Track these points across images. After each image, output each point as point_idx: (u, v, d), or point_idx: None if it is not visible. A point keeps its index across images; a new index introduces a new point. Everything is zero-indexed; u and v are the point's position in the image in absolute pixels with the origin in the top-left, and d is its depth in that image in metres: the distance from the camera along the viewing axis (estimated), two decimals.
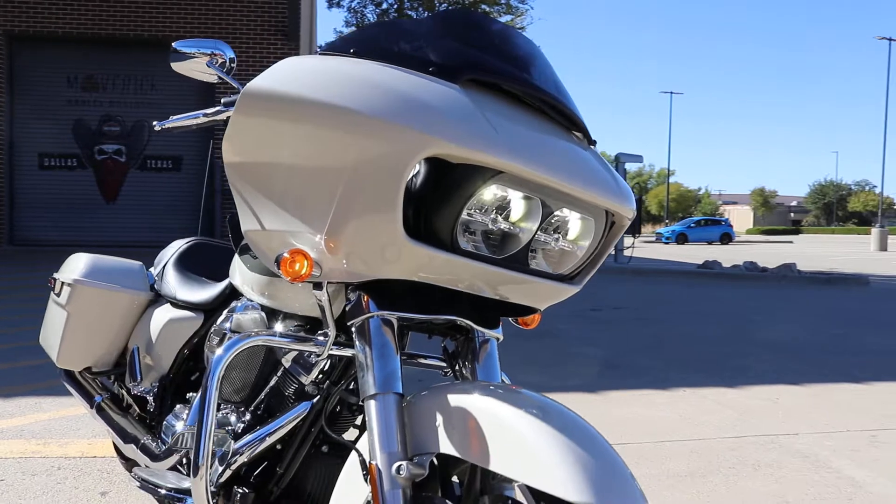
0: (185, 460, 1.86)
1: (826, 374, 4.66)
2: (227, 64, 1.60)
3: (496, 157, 1.19)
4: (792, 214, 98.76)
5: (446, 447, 1.23)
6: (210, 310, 2.06)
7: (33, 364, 4.26)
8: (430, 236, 1.24)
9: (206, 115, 1.62)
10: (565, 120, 1.40)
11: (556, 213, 1.33)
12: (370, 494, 1.30)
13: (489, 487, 1.33)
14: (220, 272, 2.23)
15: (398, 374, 1.32)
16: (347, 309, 1.38)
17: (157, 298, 2.33)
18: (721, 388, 4.20)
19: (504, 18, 26.63)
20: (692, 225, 43.54)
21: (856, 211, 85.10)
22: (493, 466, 1.16)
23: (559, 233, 1.37)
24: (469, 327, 1.46)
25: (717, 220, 46.08)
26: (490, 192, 1.25)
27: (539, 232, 1.32)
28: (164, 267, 2.36)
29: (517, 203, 1.29)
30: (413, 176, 1.24)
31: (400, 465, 1.22)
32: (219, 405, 1.77)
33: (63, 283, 2.34)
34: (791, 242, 44.46)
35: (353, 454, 1.41)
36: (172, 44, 1.60)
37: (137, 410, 2.29)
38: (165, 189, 11.88)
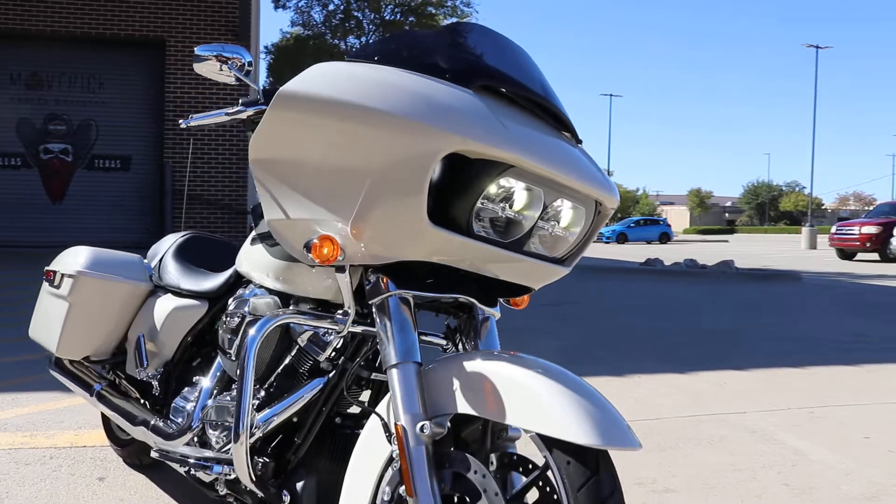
0: (195, 438, 1.99)
1: (767, 360, 4.97)
2: (245, 67, 1.73)
3: (510, 152, 1.38)
4: (727, 214, 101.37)
5: (463, 407, 1.41)
6: (214, 298, 2.19)
7: (10, 359, 4.30)
8: (449, 222, 1.42)
9: (227, 113, 1.76)
10: (556, 121, 1.59)
11: (552, 202, 1.52)
12: (393, 453, 1.47)
13: (496, 446, 1.51)
14: (218, 263, 2.37)
15: (416, 345, 1.50)
16: (368, 289, 1.55)
17: (156, 289, 2.44)
18: (673, 374, 4.46)
19: (448, 21, 26.88)
20: (632, 225, 44.45)
21: (787, 211, 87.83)
22: (509, 420, 1.34)
23: (555, 220, 1.56)
24: (472, 305, 1.64)
25: (655, 220, 47.15)
26: (500, 184, 1.44)
27: (538, 220, 1.51)
28: (161, 259, 2.48)
29: (521, 194, 1.47)
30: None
31: (423, 425, 1.40)
32: (234, 383, 1.91)
33: (63, 275, 2.44)
34: (727, 241, 45.75)
35: (369, 423, 1.58)
36: (195, 49, 1.73)
37: (137, 395, 2.41)
38: (114, 189, 11.75)
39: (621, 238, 41.20)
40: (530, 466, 1.43)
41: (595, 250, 24.69)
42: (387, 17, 25.96)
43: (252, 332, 1.60)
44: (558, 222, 1.57)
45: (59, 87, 11.69)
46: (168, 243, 2.54)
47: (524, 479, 1.43)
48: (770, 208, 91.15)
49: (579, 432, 1.26)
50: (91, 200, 11.72)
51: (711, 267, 12.88)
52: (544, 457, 1.35)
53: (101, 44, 11.68)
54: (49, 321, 2.54)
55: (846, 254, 20.69)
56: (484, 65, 1.50)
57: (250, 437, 1.67)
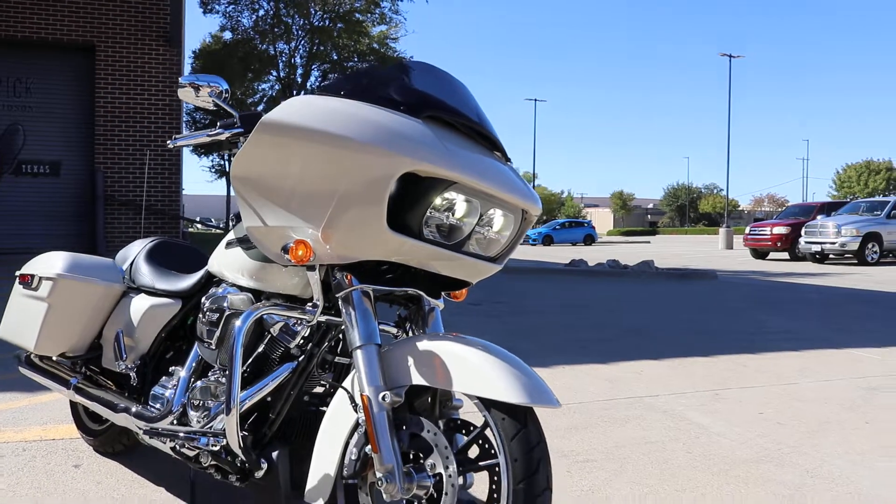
0: (174, 420, 2.25)
1: (680, 351, 5.44)
2: (223, 94, 2.02)
3: (452, 172, 1.72)
4: (649, 216, 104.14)
5: (417, 379, 1.74)
6: (187, 297, 2.46)
7: None
8: (404, 228, 1.75)
9: (209, 135, 2.05)
10: (489, 143, 1.93)
11: (486, 211, 1.86)
12: (359, 419, 1.79)
13: (443, 413, 1.84)
14: (186, 266, 2.64)
15: (377, 331, 1.82)
16: (334, 284, 1.87)
17: (129, 290, 2.69)
18: (593, 364, 4.87)
19: (378, 28, 27.14)
20: (557, 227, 45.42)
21: (706, 212, 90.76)
22: (456, 388, 1.68)
23: (488, 226, 1.90)
24: (420, 297, 1.97)
25: (580, 223, 48.30)
26: (444, 197, 1.77)
27: (475, 226, 1.85)
28: (132, 262, 2.73)
29: (462, 205, 1.81)
30: None
31: (384, 394, 1.72)
32: (212, 369, 2.19)
33: (42, 277, 2.67)
34: (648, 242, 47.22)
35: (336, 397, 1.89)
36: (179, 78, 2.01)
37: (112, 386, 2.65)
38: (43, 195, 11.64)
39: (547, 240, 42.07)
40: (471, 427, 1.77)
41: (522, 252, 25.26)
42: (315, 23, 26.07)
43: (238, 322, 1.90)
44: (491, 227, 1.91)
45: None
46: (138, 248, 2.79)
47: (466, 438, 1.76)
48: (690, 210, 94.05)
49: (512, 394, 1.60)
50: (19, 206, 11.59)
51: (633, 267, 13.49)
52: (483, 416, 1.69)
53: (28, 47, 11.57)
54: (24, 321, 2.76)
55: (759, 253, 21.75)
56: (431, 98, 1.83)
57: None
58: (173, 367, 2.42)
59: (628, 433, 3.34)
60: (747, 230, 22.69)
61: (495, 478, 1.67)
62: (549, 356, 5.08)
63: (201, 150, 33.16)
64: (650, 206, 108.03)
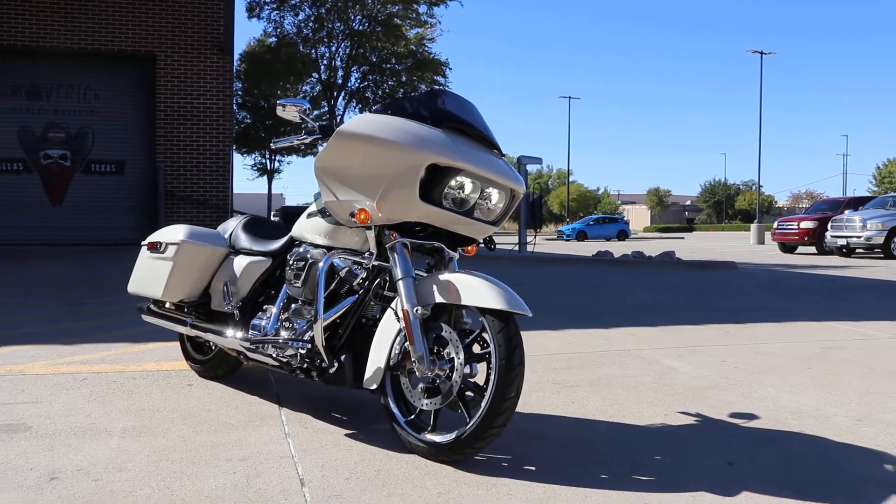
0: (272, 344, 3.19)
1: (675, 321, 6.30)
2: (306, 111, 2.97)
3: (462, 163, 2.64)
4: (686, 213, 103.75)
5: (439, 298, 2.66)
6: (275, 255, 3.41)
7: (73, 326, 5.45)
8: (429, 200, 2.67)
9: (297, 139, 3.00)
10: (489, 144, 2.85)
11: (485, 190, 2.78)
12: (401, 328, 2.71)
13: (456, 325, 2.76)
14: (271, 234, 3.60)
15: (412, 269, 2.74)
16: (383, 238, 2.80)
17: (230, 252, 3.65)
18: (596, 328, 5.76)
19: (414, 31, 28.13)
20: (591, 223, 46.11)
21: (743, 209, 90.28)
22: (463, 301, 2.60)
23: (488, 200, 2.82)
24: (442, 249, 2.90)
25: (614, 218, 48.93)
26: (457, 180, 2.69)
27: (478, 200, 2.77)
28: (232, 232, 3.69)
29: (468, 185, 2.74)
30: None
31: (417, 308, 2.65)
32: (296, 302, 3.13)
33: (168, 243, 3.64)
34: (683, 238, 47.57)
35: (385, 315, 2.82)
36: (279, 101, 2.96)
37: (220, 323, 3.61)
38: (109, 191, 12.81)
39: (581, 236, 42.78)
40: (474, 331, 2.69)
41: (553, 247, 26.02)
42: (355, 28, 27.20)
43: (321, 263, 2.86)
44: (490, 200, 2.83)
45: (58, 98, 12.73)
46: (235, 222, 3.76)
47: (471, 337, 2.68)
48: (727, 206, 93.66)
49: (498, 302, 2.52)
50: (88, 202, 12.76)
51: (655, 257, 14.27)
52: (481, 321, 2.61)
53: (96, 58, 12.74)
54: (152, 277, 3.73)
55: (787, 247, 22.20)
56: (448, 114, 2.76)
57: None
58: (266, 306, 3.37)
59: (611, 371, 4.23)
60: (775, 225, 23.14)
61: (489, 361, 2.58)
62: (558, 323, 5.97)
63: (245, 149, 34.43)
64: (687, 202, 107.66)
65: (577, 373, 4.17)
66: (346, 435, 2.96)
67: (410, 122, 2.71)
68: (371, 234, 2.84)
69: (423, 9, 27.12)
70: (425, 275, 3.00)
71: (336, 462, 2.64)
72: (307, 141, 2.99)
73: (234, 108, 23.02)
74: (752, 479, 2.55)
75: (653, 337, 5.44)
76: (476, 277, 2.64)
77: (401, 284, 2.71)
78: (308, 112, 2.99)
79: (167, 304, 3.86)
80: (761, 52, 36.04)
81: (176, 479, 2.45)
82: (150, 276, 3.76)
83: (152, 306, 3.96)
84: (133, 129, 13.03)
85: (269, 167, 39.22)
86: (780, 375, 4.19)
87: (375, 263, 2.88)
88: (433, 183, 2.70)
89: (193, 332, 3.62)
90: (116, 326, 5.33)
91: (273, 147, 3.11)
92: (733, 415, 3.36)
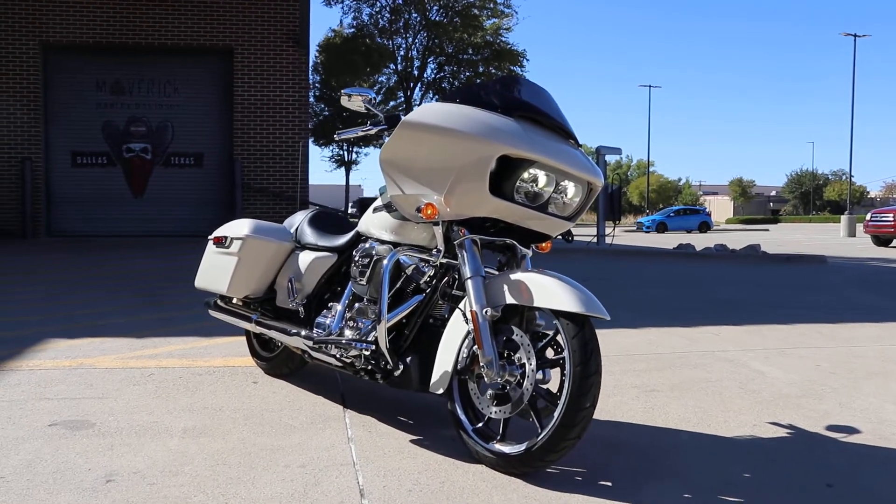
0: (333, 345, 3.07)
1: (762, 319, 5.96)
2: (372, 101, 2.82)
3: (535, 154, 2.45)
4: (771, 204, 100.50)
5: (510, 299, 2.48)
6: (341, 251, 3.29)
7: (146, 318, 5.49)
8: (501, 194, 2.49)
9: (363, 130, 2.86)
10: (565, 134, 2.65)
11: (560, 183, 2.58)
12: (469, 329, 2.54)
13: (528, 328, 2.57)
14: (338, 229, 3.47)
15: (481, 268, 2.57)
16: (451, 234, 2.63)
17: (296, 248, 3.55)
18: (678, 327, 5.48)
19: (491, 21, 27.88)
20: (672, 214, 45.04)
21: (832, 200, 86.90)
22: (536, 303, 2.41)
23: (563, 194, 2.62)
24: (514, 246, 2.71)
25: (696, 210, 47.67)
26: (530, 172, 2.50)
27: (552, 193, 2.57)
28: (298, 227, 3.59)
29: (542, 178, 2.55)
30: None
31: (486, 310, 2.48)
32: (361, 301, 3.00)
33: (233, 238, 3.56)
34: (767, 230, 46.05)
35: (454, 316, 2.65)
36: (343, 90, 2.82)
37: (286, 320, 3.51)
38: (188, 184, 13.05)
39: (661, 227, 41.84)
40: (548, 335, 2.50)
41: (633, 239, 25.46)
42: (433, 18, 27.13)
43: (385, 261, 2.72)
44: (566, 195, 2.63)
45: (139, 93, 13.02)
46: (301, 216, 3.65)
47: (544, 341, 2.50)
48: (815, 197, 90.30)
49: (573, 305, 2.33)
50: (168, 194, 13.02)
51: (739, 251, 13.74)
52: (555, 324, 2.42)
53: (175, 53, 12.98)
54: (218, 272, 3.66)
55: (881, 240, 21.16)
56: (520, 102, 2.57)
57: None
58: (331, 304, 3.25)
59: (693, 374, 3.98)
60: (868, 217, 22.11)
61: (563, 367, 2.39)
62: (639, 321, 5.71)
63: (322, 141, 34.82)
64: (772, 193, 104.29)
65: (657, 375, 3.94)
66: (412, 441, 2.82)
67: (480, 111, 2.53)
68: (439, 231, 2.67)
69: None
70: (496, 273, 2.83)
71: (399, 471, 2.49)
72: (373, 132, 2.85)
73: (312, 100, 23.27)
74: (854, 503, 2.30)
75: (738, 337, 5.14)
76: (550, 277, 2.45)
77: (469, 284, 2.54)
78: (373, 101, 2.85)
79: (234, 300, 3.79)
80: (854, 35, 34.47)
81: (232, 486, 2.34)
82: (215, 271, 3.70)
83: (219, 301, 3.90)
84: (211, 122, 13.23)
85: (346, 159, 39.60)
86: (881, 383, 3.87)
87: (443, 261, 2.72)
88: (504, 176, 2.52)
89: (258, 329, 3.53)
90: (187, 320, 5.34)
91: (337, 138, 2.99)
92: (831, 427, 3.08)
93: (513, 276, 2.52)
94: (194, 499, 2.25)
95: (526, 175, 2.52)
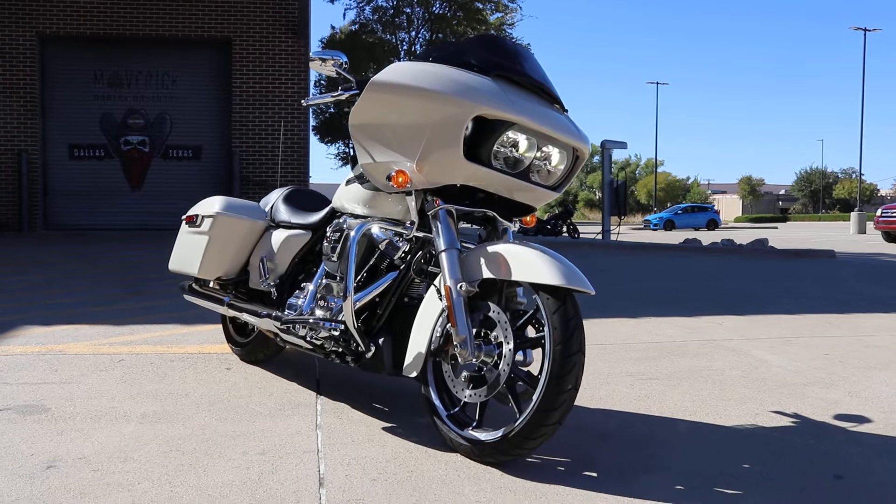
0: (302, 325, 2.87)
1: (766, 310, 5.73)
2: (343, 64, 2.62)
3: (512, 114, 2.24)
4: (780, 202, 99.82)
5: (486, 273, 2.28)
6: (315, 228, 3.09)
7: (128, 307, 5.31)
8: (477, 159, 2.29)
9: (333, 96, 2.65)
10: (549, 98, 2.44)
11: (543, 148, 2.38)
12: (444, 307, 2.34)
13: (507, 305, 2.37)
14: (313, 206, 3.27)
15: (457, 240, 2.37)
16: (426, 205, 2.42)
17: (269, 226, 3.35)
18: (678, 317, 5.26)
19: (496, 16, 27.66)
20: (679, 212, 44.65)
21: (841, 198, 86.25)
22: (514, 277, 2.21)
23: (546, 160, 2.42)
24: (495, 219, 2.50)
25: (704, 207, 47.26)
26: (508, 136, 2.30)
27: (534, 160, 2.37)
28: (273, 205, 3.39)
29: (523, 142, 2.34)
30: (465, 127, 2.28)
31: (461, 285, 2.27)
32: (334, 279, 2.80)
33: (204, 216, 3.37)
34: (776, 228, 45.63)
35: (428, 293, 2.45)
36: (311, 52, 2.62)
37: (258, 301, 3.31)
38: (186, 176, 12.85)
39: (668, 225, 41.48)
40: (528, 314, 2.29)
41: (639, 236, 25.21)
42: (436, 12, 26.91)
43: (353, 233, 2.51)
44: (549, 161, 2.43)
45: (137, 85, 12.83)
46: (277, 194, 3.45)
47: (523, 319, 2.29)
48: (824, 196, 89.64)
49: (554, 278, 2.12)
50: (166, 187, 12.82)
51: (746, 245, 13.48)
52: (534, 299, 2.21)
53: (173, 44, 12.78)
54: (189, 253, 3.47)
55: (892, 236, 20.88)
56: (497, 61, 2.36)
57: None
58: (304, 284, 3.05)
59: (693, 363, 3.76)
60: (878, 213, 21.80)
61: (543, 347, 2.19)
62: (637, 310, 5.49)
63: (328, 138, 34.66)
64: (781, 191, 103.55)
65: (654, 364, 3.72)
66: (384, 429, 2.62)
67: (454, 70, 2.32)
68: (411, 200, 2.47)
69: None
70: (472, 247, 2.63)
71: (365, 460, 2.29)
72: (343, 97, 2.63)
73: (304, 105, 23.14)
74: (866, 496, 2.09)
75: (742, 326, 4.91)
76: (530, 249, 2.25)
77: (443, 257, 2.33)
78: (345, 66, 2.64)
79: (211, 284, 3.60)
80: (864, 29, 34.04)
81: (181, 473, 2.15)
82: (187, 251, 3.51)
83: (194, 285, 3.70)
84: (210, 115, 13.03)
85: (351, 155, 39.38)
86: (894, 371, 3.65)
87: (419, 234, 2.52)
88: (481, 140, 2.31)
89: (231, 313, 3.34)
90: (169, 308, 5.15)
91: (305, 104, 2.78)
92: (839, 416, 2.86)
93: (490, 249, 2.31)
94: (138, 486, 2.05)
95: (504, 138, 2.32)
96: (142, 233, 11.75)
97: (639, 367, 3.65)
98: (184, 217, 3.61)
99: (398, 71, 2.38)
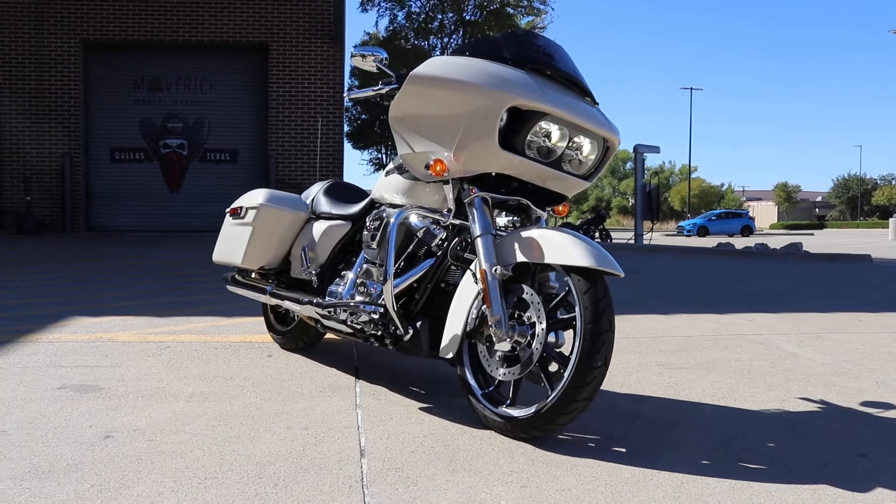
0: (342, 310, 2.99)
1: (798, 307, 5.75)
2: (384, 60, 2.74)
3: (546, 105, 2.35)
4: (816, 209, 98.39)
5: (520, 257, 2.38)
6: (355, 219, 3.21)
7: (172, 301, 5.49)
8: (511, 148, 2.39)
9: (374, 90, 2.78)
10: (580, 91, 2.54)
11: (574, 139, 2.48)
12: (479, 290, 2.44)
13: (540, 289, 2.47)
14: (354, 199, 3.40)
15: (491, 226, 2.47)
16: (462, 193, 2.53)
17: (310, 218, 3.49)
18: (709, 314, 5.30)
19: (527, 19, 27.78)
20: (713, 218, 44.33)
21: (880, 204, 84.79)
22: (547, 259, 2.31)
23: (578, 150, 2.52)
24: (528, 207, 2.61)
25: (738, 213, 46.84)
26: (541, 126, 2.40)
27: (566, 149, 2.47)
28: (314, 197, 3.53)
29: (555, 132, 2.44)
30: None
31: (496, 268, 2.38)
32: (373, 263, 2.92)
33: (248, 208, 3.51)
34: (812, 234, 45.05)
35: (464, 277, 2.56)
36: (352, 48, 2.75)
37: (300, 290, 3.44)
38: (224, 179, 13.12)
39: (702, 231, 41.19)
40: (560, 296, 2.39)
41: (674, 242, 25.12)
42: (467, 18, 27.11)
43: (393, 220, 2.63)
44: (581, 152, 2.53)
45: (177, 89, 13.14)
46: (318, 187, 3.59)
47: (555, 301, 2.39)
48: (862, 202, 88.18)
49: (584, 260, 2.22)
50: (204, 189, 13.11)
51: (780, 249, 13.41)
52: (566, 281, 2.31)
53: (212, 50, 13.08)
54: (233, 244, 3.61)
55: None
56: (531, 55, 2.47)
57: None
58: (344, 272, 3.18)
59: (722, 355, 3.82)
60: None
61: (574, 326, 2.28)
62: (669, 307, 5.55)
63: (361, 144, 34.95)
64: (818, 198, 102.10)
65: (684, 356, 3.79)
66: (421, 409, 2.73)
67: (489, 63, 2.44)
68: (448, 189, 2.58)
69: None
70: (506, 233, 2.74)
71: (403, 434, 2.40)
72: (384, 91, 2.76)
73: (349, 103, 23.40)
74: (888, 473, 2.15)
75: (773, 323, 4.95)
76: (562, 233, 2.35)
77: (479, 242, 2.44)
78: (385, 61, 2.77)
79: (253, 275, 3.75)
80: None
81: (230, 444, 2.28)
82: (231, 242, 3.65)
83: (236, 276, 3.85)
84: (247, 119, 13.29)
85: (384, 161, 39.69)
86: None
87: (455, 222, 2.63)
88: (515, 130, 2.42)
89: (273, 301, 3.47)
90: (210, 302, 5.32)
91: (348, 97, 2.91)
92: (865, 403, 2.92)
93: (524, 234, 2.42)
94: (190, 454, 2.18)
95: (537, 128, 2.42)
96: (180, 234, 12.03)
97: (668, 357, 3.73)
98: (228, 209, 3.76)
99: (436, 64, 2.51)
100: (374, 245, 2.86)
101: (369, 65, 2.76)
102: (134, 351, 3.67)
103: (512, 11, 26.84)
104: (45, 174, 12.58)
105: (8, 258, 8.67)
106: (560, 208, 2.72)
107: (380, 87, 2.77)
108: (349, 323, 2.89)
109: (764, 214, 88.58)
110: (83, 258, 8.74)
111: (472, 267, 2.53)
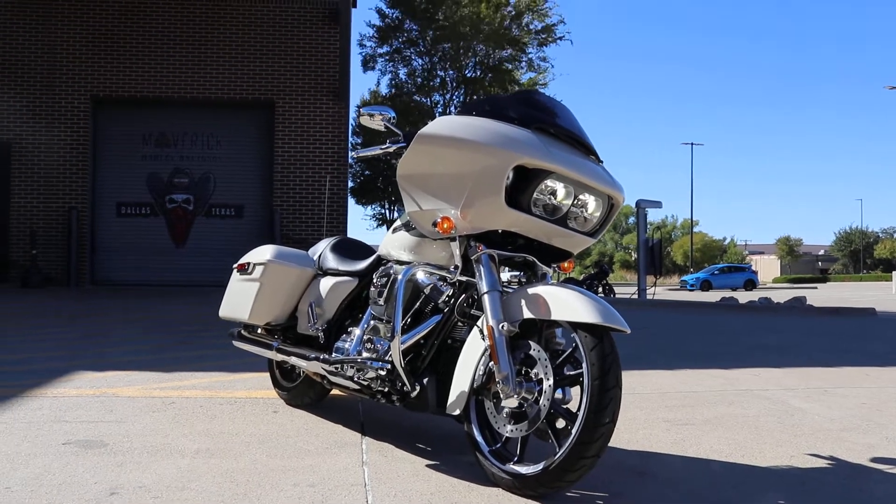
0: (349, 366, 3.00)
1: (804, 362, 5.74)
2: (391, 119, 2.80)
3: (551, 164, 2.39)
4: (819, 263, 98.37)
5: (527, 314, 2.40)
6: (361, 276, 3.24)
7: (176, 356, 5.49)
8: (518, 206, 2.43)
9: (381, 149, 2.83)
10: (584, 149, 2.59)
11: (579, 196, 2.52)
12: (486, 347, 2.46)
13: (547, 346, 2.48)
14: (361, 255, 3.43)
15: (498, 283, 2.49)
16: (469, 250, 2.57)
17: (317, 274, 3.51)
18: (715, 369, 5.29)
19: (528, 76, 28.24)
20: (716, 272, 44.36)
21: (883, 258, 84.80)
22: (553, 316, 2.32)
23: (583, 208, 2.55)
24: (534, 263, 2.63)
25: (741, 268, 46.90)
26: (546, 184, 2.44)
27: (572, 207, 2.51)
28: (321, 253, 3.56)
29: (560, 190, 2.48)
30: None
31: (503, 324, 2.39)
32: (380, 320, 2.93)
33: (256, 264, 3.54)
34: (815, 288, 44.99)
35: (471, 334, 2.57)
36: (361, 108, 2.81)
37: (306, 346, 3.45)
38: (229, 234, 13.19)
39: (705, 285, 41.18)
40: (566, 352, 2.40)
41: (677, 296, 25.10)
42: (468, 75, 27.58)
43: (401, 276, 2.66)
44: (586, 209, 2.57)
45: (183, 145, 13.32)
46: (325, 243, 3.62)
47: (562, 357, 2.39)
48: (865, 256, 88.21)
49: (591, 316, 2.24)
50: (209, 244, 13.18)
51: (784, 303, 13.39)
52: (572, 337, 2.32)
53: (219, 106, 13.29)
54: (240, 300, 3.63)
55: None
56: (536, 115, 2.53)
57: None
58: (351, 329, 3.19)
59: (729, 410, 3.81)
60: None
61: (581, 382, 2.29)
62: (674, 363, 5.54)
63: (364, 200, 35.21)
64: (820, 252, 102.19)
65: (690, 411, 3.78)
66: (428, 466, 2.71)
67: (496, 122, 2.49)
68: (455, 246, 2.61)
69: (533, 53, 27.41)
70: (513, 289, 2.76)
71: (410, 492, 2.39)
72: (392, 150, 2.82)
73: (352, 160, 23.68)
74: None
75: (779, 377, 4.93)
76: (568, 290, 2.37)
77: (486, 299, 2.46)
78: (393, 120, 2.83)
79: (259, 330, 3.76)
80: None
81: (237, 501, 2.27)
82: (238, 298, 3.67)
83: (243, 331, 3.86)
84: (252, 174, 13.43)
85: (388, 217, 39.91)
86: None
87: (462, 278, 2.65)
88: (522, 189, 2.46)
89: (279, 357, 3.48)
90: (216, 357, 5.31)
91: (355, 156, 2.97)
92: (876, 459, 2.90)
93: (530, 290, 2.44)
94: None
95: (543, 186, 2.46)
96: (185, 289, 12.06)
97: (675, 413, 3.71)
98: (235, 265, 3.79)
99: (444, 124, 2.56)
100: (382, 301, 2.88)
101: (377, 123, 2.81)
102: (139, 406, 3.66)
103: (511, 67, 27.31)
104: (52, 228, 12.67)
105: (13, 311, 8.69)
106: (565, 265, 2.75)
107: (388, 145, 2.83)
108: (356, 379, 2.89)
109: (767, 268, 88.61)
110: (88, 312, 8.76)
111: (478, 323, 2.55)
